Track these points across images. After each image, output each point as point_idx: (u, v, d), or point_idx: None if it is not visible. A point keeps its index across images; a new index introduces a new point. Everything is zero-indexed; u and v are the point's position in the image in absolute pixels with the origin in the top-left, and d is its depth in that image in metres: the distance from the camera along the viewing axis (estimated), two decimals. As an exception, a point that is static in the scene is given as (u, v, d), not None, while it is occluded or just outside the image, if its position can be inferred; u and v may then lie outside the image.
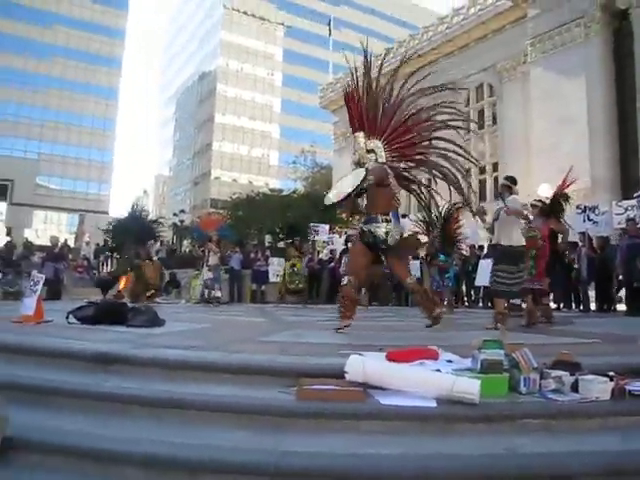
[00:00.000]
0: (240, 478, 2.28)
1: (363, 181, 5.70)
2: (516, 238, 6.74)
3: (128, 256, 13.04)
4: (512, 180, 7.24)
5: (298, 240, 16.08)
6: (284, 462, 2.30)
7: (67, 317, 6.17)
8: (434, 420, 2.73)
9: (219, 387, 3.19)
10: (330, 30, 43.81)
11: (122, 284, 12.76)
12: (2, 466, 2.47)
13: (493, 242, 7.40)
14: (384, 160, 6.31)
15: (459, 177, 6.70)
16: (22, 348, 4.07)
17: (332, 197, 6.05)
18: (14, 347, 4.10)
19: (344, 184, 6.04)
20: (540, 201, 8.64)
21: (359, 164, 6.33)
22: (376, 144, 6.38)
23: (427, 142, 6.74)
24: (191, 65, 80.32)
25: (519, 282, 6.70)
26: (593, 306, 12.45)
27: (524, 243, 6.86)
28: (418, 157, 6.67)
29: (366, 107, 6.48)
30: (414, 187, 6.93)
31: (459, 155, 6.82)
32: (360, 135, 6.44)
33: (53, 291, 13.59)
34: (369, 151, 6.35)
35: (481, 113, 29.10)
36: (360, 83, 6.60)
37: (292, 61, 75.89)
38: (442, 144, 6.81)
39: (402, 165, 6.60)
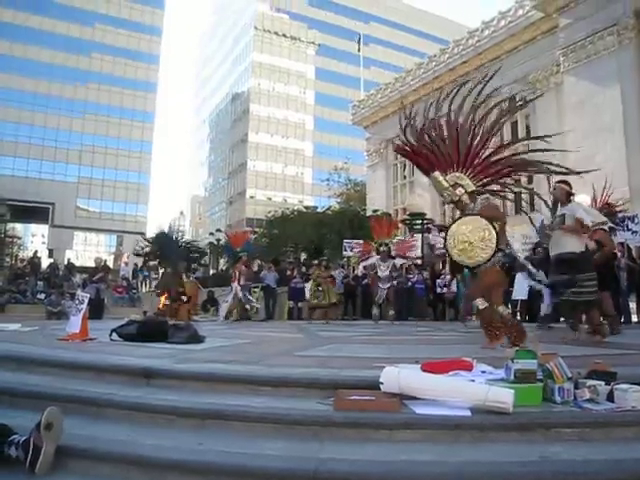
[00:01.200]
0: (281, 484, 2.38)
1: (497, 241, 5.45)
2: (569, 245, 6.40)
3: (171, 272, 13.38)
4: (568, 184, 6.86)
5: (325, 260, 16.20)
6: (323, 468, 2.38)
7: (110, 334, 6.39)
8: (468, 429, 2.78)
9: (259, 399, 3.30)
10: (359, 46, 44.11)
11: (162, 302, 13.02)
12: (57, 472, 2.62)
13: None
14: (473, 188, 5.85)
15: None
16: (72, 364, 4.27)
17: (474, 260, 5.56)
18: (65, 363, 4.31)
19: (477, 246, 5.51)
20: None
21: (453, 202, 5.97)
22: (457, 176, 5.86)
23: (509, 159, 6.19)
24: (224, 86, 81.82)
25: (575, 292, 6.30)
26: (635, 317, 12.21)
27: (577, 249, 6.41)
28: (506, 171, 6.17)
29: (430, 149, 5.97)
30: None
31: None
32: (437, 175, 5.89)
33: (95, 310, 13.94)
34: (454, 186, 5.83)
35: (514, 125, 28.88)
36: (410, 135, 6.14)
37: (324, 79, 76.71)
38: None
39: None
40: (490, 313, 5.68)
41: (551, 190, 6.93)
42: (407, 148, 6.16)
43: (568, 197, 6.71)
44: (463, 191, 5.83)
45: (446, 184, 5.84)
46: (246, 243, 15.81)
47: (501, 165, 6.03)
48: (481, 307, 5.72)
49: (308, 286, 15.60)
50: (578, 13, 23.17)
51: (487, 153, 5.98)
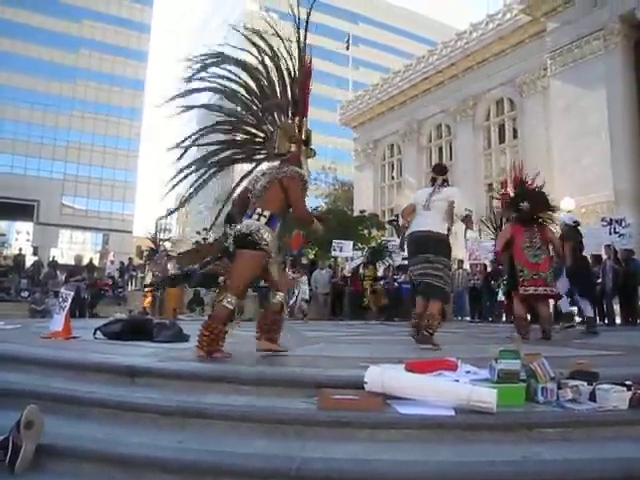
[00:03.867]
0: (263, 482, 2.38)
1: None
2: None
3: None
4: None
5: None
6: (305, 467, 2.37)
7: (94, 333, 6.33)
8: (452, 428, 2.78)
9: (243, 398, 3.28)
10: (348, 45, 43.97)
11: (147, 301, 12.96)
12: (37, 472, 2.60)
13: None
14: None
15: None
16: (54, 362, 4.23)
17: None
18: (47, 361, 4.26)
19: None
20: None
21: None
22: None
23: None
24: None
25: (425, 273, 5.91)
26: (619, 319, 12.34)
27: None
28: None
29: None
30: None
31: None
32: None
33: (76, 309, 13.78)
34: None
35: (502, 127, 29.07)
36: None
37: (312, 79, 76.55)
38: None
39: None
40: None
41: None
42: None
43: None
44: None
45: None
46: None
47: None
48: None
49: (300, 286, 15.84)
50: (565, 17, 23.38)
51: None
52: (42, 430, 2.67)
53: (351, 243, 18.80)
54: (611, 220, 12.85)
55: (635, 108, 21.77)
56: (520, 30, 26.62)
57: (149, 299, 14.96)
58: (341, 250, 18.31)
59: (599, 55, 22.08)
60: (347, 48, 44.52)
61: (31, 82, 57.77)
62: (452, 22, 71.23)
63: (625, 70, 21.83)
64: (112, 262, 27.70)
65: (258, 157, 5.38)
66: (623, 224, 12.69)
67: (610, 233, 12.57)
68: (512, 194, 8.00)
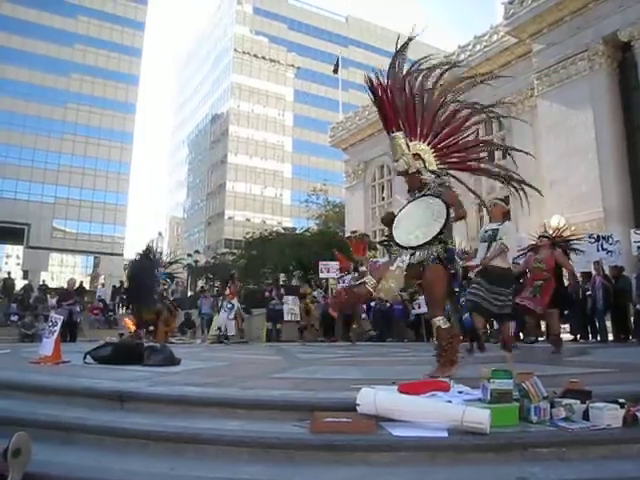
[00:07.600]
0: (255, 508, 2.33)
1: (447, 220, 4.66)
2: (499, 260, 7.06)
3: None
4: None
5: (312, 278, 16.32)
6: (297, 492, 2.34)
7: (84, 357, 6.26)
8: (445, 450, 2.76)
9: (234, 422, 3.24)
10: (338, 64, 44.14)
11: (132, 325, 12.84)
12: (24, 501, 2.54)
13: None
14: (434, 167, 5.12)
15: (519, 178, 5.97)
16: (42, 387, 4.16)
17: (420, 238, 4.69)
18: (35, 386, 4.20)
19: (423, 223, 4.78)
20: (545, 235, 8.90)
21: (407, 173, 5.08)
22: (422, 147, 5.15)
23: (478, 144, 5.77)
24: (203, 108, 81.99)
25: (497, 303, 6.83)
26: (611, 336, 12.32)
27: (506, 265, 7.11)
28: (472, 163, 5.65)
29: (402, 105, 5.26)
30: None
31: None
32: (400, 135, 5.08)
33: (68, 332, 13.67)
34: (415, 156, 5.05)
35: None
36: (391, 79, 5.41)
37: (303, 101, 77.29)
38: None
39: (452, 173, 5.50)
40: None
41: (490, 206, 7.72)
42: (382, 88, 5.36)
43: (504, 216, 7.53)
44: (422, 166, 5.07)
45: (407, 150, 5.04)
46: None
47: (470, 159, 5.58)
48: (443, 326, 4.69)
49: (291, 307, 15.64)
50: (550, 39, 23.71)
51: (463, 140, 5.47)
52: (30, 458, 2.61)
53: (337, 264, 18.65)
54: (598, 237, 12.92)
55: (621, 126, 22.02)
56: (507, 51, 26.96)
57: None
58: (328, 271, 18.25)
59: (584, 75, 22.38)
60: (334, 72, 44.67)
61: (22, 105, 57.78)
62: (441, 45, 72.19)
63: (610, 89, 22.12)
64: (103, 285, 27.60)
65: None
66: (611, 241, 12.75)
67: (598, 250, 12.62)
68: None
